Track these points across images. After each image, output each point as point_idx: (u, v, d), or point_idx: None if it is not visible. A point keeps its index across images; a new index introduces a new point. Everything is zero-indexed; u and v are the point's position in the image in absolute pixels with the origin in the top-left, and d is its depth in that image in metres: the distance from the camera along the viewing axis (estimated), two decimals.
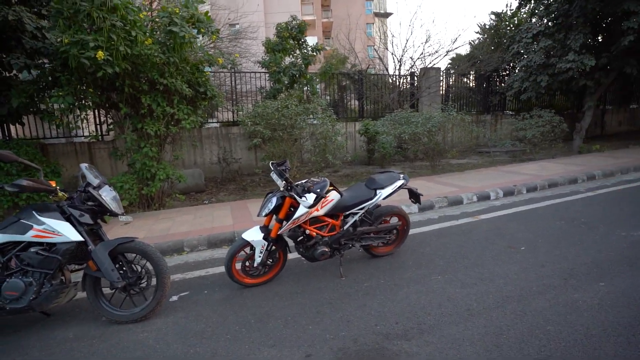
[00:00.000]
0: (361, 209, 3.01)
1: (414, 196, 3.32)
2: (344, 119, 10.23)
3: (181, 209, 5.32)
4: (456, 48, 12.80)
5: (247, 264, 2.84)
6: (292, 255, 3.24)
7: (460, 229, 4.11)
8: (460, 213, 4.77)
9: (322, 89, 11.05)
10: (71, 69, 4.24)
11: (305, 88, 8.81)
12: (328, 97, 10.97)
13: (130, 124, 5.11)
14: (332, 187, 2.89)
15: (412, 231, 4.01)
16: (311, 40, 9.79)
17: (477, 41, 14.00)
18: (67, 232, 2.27)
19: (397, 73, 11.21)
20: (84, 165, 2.48)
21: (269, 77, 8.42)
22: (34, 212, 2.30)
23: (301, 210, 2.68)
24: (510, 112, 12.11)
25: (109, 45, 4.09)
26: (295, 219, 2.71)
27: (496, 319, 2.26)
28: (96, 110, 7.11)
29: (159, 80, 4.74)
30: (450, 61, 14.85)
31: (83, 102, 4.87)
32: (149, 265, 2.53)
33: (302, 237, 2.88)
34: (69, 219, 2.35)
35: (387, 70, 11.92)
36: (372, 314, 2.43)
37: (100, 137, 5.94)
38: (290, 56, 8.45)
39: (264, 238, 2.75)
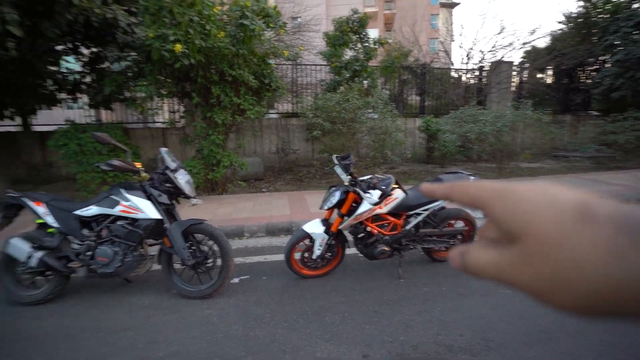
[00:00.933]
0: (425, 209, 2.87)
1: None
2: (404, 114, 9.88)
3: (241, 195, 5.58)
4: (534, 40, 11.54)
5: (305, 255, 2.88)
6: (350, 251, 3.20)
7: None
8: None
9: (382, 82, 10.78)
10: (153, 61, 4.62)
11: (365, 81, 8.66)
12: (387, 92, 10.67)
13: (200, 113, 5.44)
14: (396, 185, 2.79)
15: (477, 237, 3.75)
16: (372, 33, 9.57)
17: (559, 32, 12.54)
18: (148, 210, 2.49)
19: (464, 67, 10.52)
20: (163, 150, 2.68)
21: (330, 70, 8.41)
22: (121, 189, 2.55)
23: (364, 207, 2.63)
24: (596, 113, 10.72)
25: (186, 38, 4.37)
26: (357, 215, 2.66)
27: (577, 348, 2.01)
28: (171, 99, 7.73)
29: (228, 72, 4.97)
30: (524, 54, 13.55)
31: (161, 91, 5.30)
32: (215, 246, 2.68)
33: (362, 234, 2.83)
34: (149, 198, 2.56)
35: (452, 64, 11.23)
36: (433, 321, 2.31)
37: (173, 123, 6.44)
38: (351, 49, 8.34)
39: (325, 232, 2.76)
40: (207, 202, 5.16)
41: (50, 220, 2.62)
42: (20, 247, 2.57)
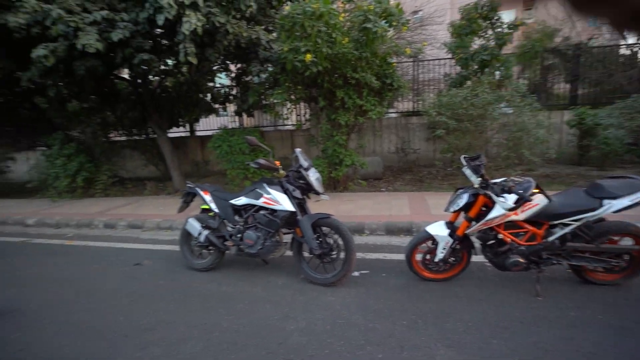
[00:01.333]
0: (576, 220, 2.43)
1: None
2: (547, 106, 8.41)
3: (361, 194, 5.78)
4: None
5: (427, 257, 2.82)
6: (476, 258, 2.98)
7: None
8: None
9: (519, 72, 9.40)
10: (287, 71, 5.22)
11: (498, 72, 7.72)
12: (525, 81, 9.24)
13: (325, 115, 5.87)
14: (537, 190, 2.45)
15: None
16: (507, 16, 8.40)
17: None
18: (285, 203, 2.88)
19: None
20: (298, 150, 3.04)
21: (456, 63, 7.81)
22: (264, 184, 3.02)
23: (497, 212, 2.41)
24: None
25: (315, 48, 4.78)
26: (487, 220, 2.46)
27: None
28: (298, 104, 8.57)
29: (351, 75, 5.22)
30: None
31: (292, 97, 5.95)
32: (340, 240, 2.89)
33: (493, 241, 2.60)
34: (285, 192, 2.95)
35: (624, 38, 8.92)
36: (581, 352, 1.96)
37: (300, 126, 7.14)
38: (481, 38, 7.54)
39: (450, 235, 2.65)
40: (330, 199, 5.53)
41: (213, 206, 3.31)
42: (194, 226, 3.32)
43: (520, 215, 2.44)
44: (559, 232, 2.48)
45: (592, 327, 2.18)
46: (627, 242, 2.53)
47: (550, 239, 2.49)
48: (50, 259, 4.16)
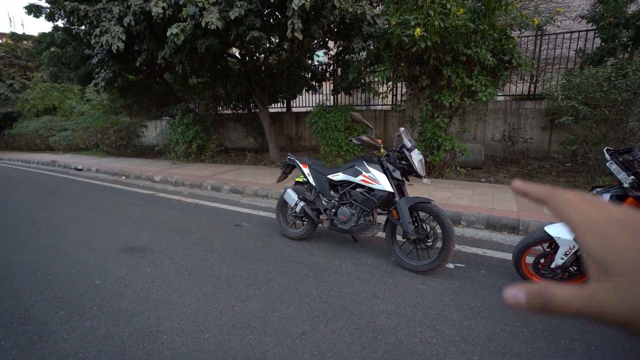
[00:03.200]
0: None
1: None
2: None
3: (458, 182, 5.35)
4: None
5: (541, 261, 2.47)
6: None
7: None
8: None
9: None
10: (392, 47, 4.98)
11: None
12: None
13: (427, 96, 5.49)
14: None
15: None
16: None
17: None
18: (384, 183, 2.81)
19: None
20: (402, 129, 2.90)
21: (599, 33, 6.41)
22: (364, 162, 2.99)
23: None
24: None
25: (426, 21, 4.42)
26: None
27: None
28: (394, 84, 8.20)
29: (463, 51, 4.72)
30: None
31: (394, 75, 5.69)
32: (437, 228, 2.72)
33: None
34: (385, 172, 2.87)
35: None
36: None
37: (398, 106, 6.85)
38: None
39: (575, 239, 2.25)
40: (424, 184, 5.26)
41: (311, 180, 3.42)
42: (292, 196, 3.51)
43: None
44: None
45: None
46: None
47: None
48: (172, 211, 4.91)
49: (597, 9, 6.38)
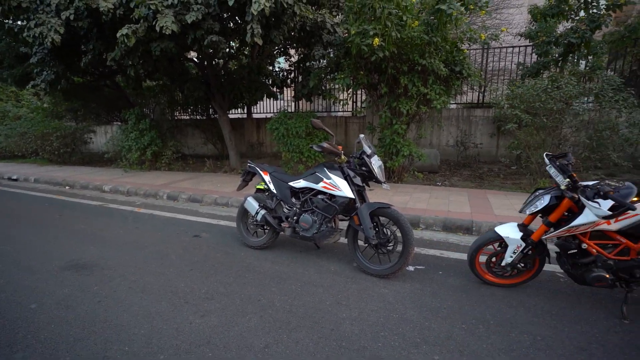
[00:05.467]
0: None
1: None
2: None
3: (416, 186, 5.55)
4: None
5: (492, 259, 2.62)
6: (547, 267, 2.71)
7: None
8: None
9: (608, 61, 8.24)
10: (351, 56, 5.09)
11: (583, 62, 6.83)
12: (612, 72, 8.08)
13: (386, 103, 5.67)
14: (638, 198, 2.12)
15: None
16: None
17: None
18: (345, 189, 2.83)
19: None
20: (362, 136, 2.95)
21: (535, 50, 7.04)
22: (325, 168, 2.99)
23: (586, 218, 2.13)
24: None
25: (384, 31, 4.57)
26: (572, 227, 2.19)
27: None
28: (354, 91, 8.39)
29: (418, 61, 4.94)
30: None
31: (353, 83, 5.81)
32: (397, 232, 2.79)
33: (574, 251, 2.32)
34: (345, 178, 2.90)
35: None
36: None
37: (357, 112, 7.00)
38: (569, 20, 6.66)
39: (522, 238, 2.42)
40: (384, 189, 5.40)
41: (272, 187, 3.36)
42: (252, 204, 3.42)
43: (613, 225, 2.13)
44: None
45: None
46: None
47: None
48: (123, 223, 4.58)
49: (533, 28, 7.00)
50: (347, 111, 9.21)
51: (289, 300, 2.55)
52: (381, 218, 2.85)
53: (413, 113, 5.48)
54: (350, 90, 5.92)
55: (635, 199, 2.13)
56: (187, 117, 10.68)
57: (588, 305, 2.43)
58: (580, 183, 2.19)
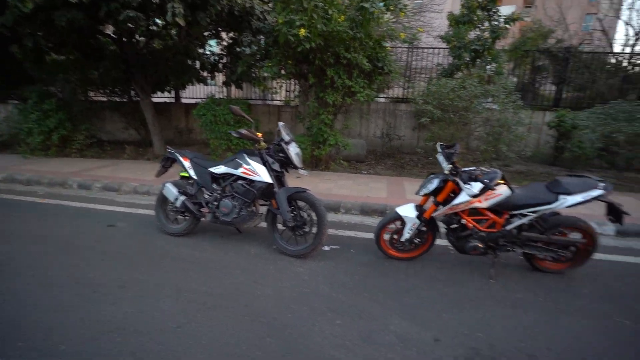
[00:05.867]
0: (533, 211, 2.61)
1: (615, 213, 2.61)
2: (532, 106, 8.63)
3: (342, 174, 5.88)
4: None
5: (395, 237, 2.97)
6: (442, 242, 3.16)
7: None
8: None
9: (511, 68, 9.54)
10: (279, 44, 5.14)
11: (489, 67, 7.82)
12: (515, 79, 9.41)
13: (314, 93, 5.85)
14: (502, 181, 2.60)
15: (597, 256, 3.21)
16: (507, 9, 8.39)
17: None
18: (263, 174, 2.94)
19: (628, 50, 8.47)
20: (281, 124, 3.07)
21: (450, 52, 7.84)
22: (244, 154, 3.06)
23: (462, 198, 2.55)
24: None
25: (310, 23, 4.70)
26: (453, 206, 2.61)
27: None
28: (287, 80, 8.44)
29: (343, 55, 5.19)
30: None
31: (282, 71, 5.88)
32: (313, 215, 2.99)
33: (456, 226, 2.76)
34: (264, 164, 3.01)
35: (611, 46, 9.17)
36: (518, 328, 2.17)
37: (289, 102, 7.09)
38: (477, 29, 7.57)
39: (417, 216, 2.79)
40: (311, 177, 5.62)
41: (192, 173, 3.33)
42: (171, 190, 3.35)
43: (484, 203, 2.59)
44: (517, 222, 2.65)
45: (532, 307, 2.40)
46: (575, 235, 2.74)
47: (509, 227, 2.66)
48: (23, 215, 4.11)
49: (448, 33, 7.77)
50: (281, 100, 9.25)
51: (206, 282, 2.61)
52: (299, 202, 3.03)
53: (339, 104, 5.75)
54: (280, 79, 5.98)
55: (501, 181, 2.61)
56: (105, 99, 9.71)
57: (467, 270, 2.91)
58: (460, 169, 2.60)
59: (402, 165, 7.21)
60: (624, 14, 8.70)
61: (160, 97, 10.14)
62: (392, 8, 5.23)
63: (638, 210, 4.43)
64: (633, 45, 8.26)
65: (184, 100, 10.35)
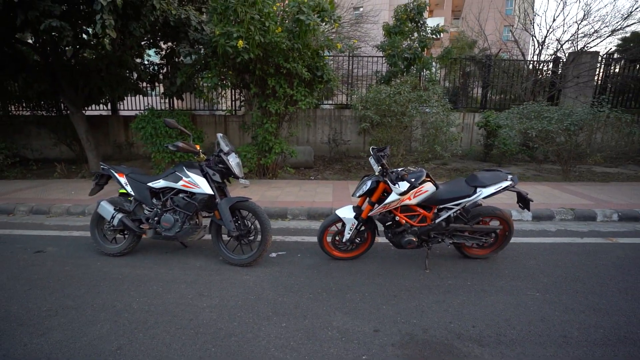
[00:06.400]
0: (457, 204, 2.91)
1: (523, 201, 3.00)
2: (463, 108, 9.48)
3: (290, 181, 5.97)
4: (630, 25, 10.07)
5: (337, 238, 3.11)
6: (382, 240, 3.36)
7: (583, 249, 3.52)
8: (587, 231, 4.05)
9: (443, 75, 10.38)
10: (218, 55, 5.13)
11: (423, 73, 8.45)
12: (448, 84, 10.27)
13: (256, 103, 5.90)
14: (428, 179, 2.87)
15: (517, 240, 3.65)
16: (437, 21, 9.15)
17: None
18: (204, 186, 2.92)
19: (535, 58, 9.65)
20: (219, 135, 3.09)
21: (386, 61, 8.35)
22: (184, 167, 3.02)
23: (393, 197, 2.77)
24: None
25: (247, 35, 4.77)
26: (386, 204, 2.81)
27: (600, 356, 1.97)
28: (232, 90, 8.37)
29: (283, 65, 5.32)
30: (620, 42, 11.83)
31: (224, 82, 5.85)
32: (257, 223, 3.03)
33: (391, 223, 2.97)
34: (205, 176, 3.00)
35: (523, 55, 10.36)
36: (448, 311, 2.40)
37: (234, 112, 7.05)
38: (409, 39, 8.17)
39: (355, 217, 2.96)
40: (258, 185, 5.64)
41: (128, 189, 3.20)
42: (107, 209, 3.19)
43: (413, 200, 2.84)
44: (444, 215, 2.93)
45: (461, 291, 2.66)
46: (494, 223, 3.09)
47: (437, 220, 2.93)
48: None
49: (384, 42, 8.27)
50: (227, 110, 9.13)
51: (147, 301, 2.53)
52: (242, 211, 3.06)
53: (282, 113, 5.86)
54: (220, 89, 5.94)
55: (426, 179, 2.87)
56: (29, 114, 8.85)
57: (405, 264, 3.13)
58: (389, 170, 2.82)
59: (349, 169, 7.49)
60: (530, 27, 9.90)
61: (95, 111, 9.50)
62: (326, 19, 5.47)
63: (551, 197, 5.08)
64: (539, 54, 9.42)
65: (122, 113, 9.79)
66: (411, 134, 7.19)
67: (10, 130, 8.01)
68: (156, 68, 8.42)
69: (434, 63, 8.55)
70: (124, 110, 9.89)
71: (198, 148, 3.01)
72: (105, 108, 9.67)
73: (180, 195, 3.03)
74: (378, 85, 7.43)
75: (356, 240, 3.10)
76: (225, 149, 3.00)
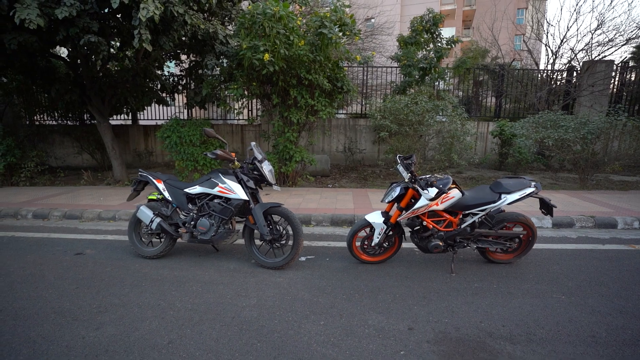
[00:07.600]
0: (482, 210, 3.01)
1: (546, 207, 3.09)
2: (477, 117, 9.57)
3: (309, 189, 6.12)
4: None
5: (365, 242, 3.24)
6: (407, 245, 3.47)
7: (605, 255, 3.58)
8: (609, 238, 4.10)
9: (456, 84, 10.52)
10: (244, 68, 5.36)
11: (437, 83, 8.59)
12: (461, 93, 10.39)
13: (278, 112, 6.10)
14: (454, 185, 2.98)
15: (539, 246, 3.72)
16: (448, 31, 9.31)
17: None
18: (239, 192, 3.09)
19: (549, 68, 9.73)
20: (253, 143, 3.26)
21: (400, 71, 8.52)
22: (220, 174, 3.20)
23: (422, 202, 2.89)
24: None
25: (273, 48, 4.99)
26: (414, 209, 2.94)
27: (630, 356, 2.04)
28: (250, 101, 8.63)
29: (305, 76, 5.52)
30: (635, 50, 11.82)
31: (246, 92, 6.08)
32: (289, 228, 3.18)
33: (418, 227, 3.09)
34: (239, 182, 3.16)
35: (536, 64, 10.45)
36: (478, 311, 2.49)
37: (252, 121, 7.27)
38: (424, 50, 8.34)
39: (384, 222, 3.08)
40: (279, 193, 5.80)
41: (166, 194, 3.39)
42: (146, 213, 3.37)
43: (440, 206, 2.95)
44: (469, 220, 3.04)
45: (488, 293, 2.75)
46: (518, 229, 3.18)
47: (463, 225, 3.04)
48: None
49: (399, 53, 8.46)
50: (243, 119, 9.40)
51: (190, 300, 2.68)
52: (274, 217, 3.21)
53: (303, 122, 6.05)
54: (244, 100, 6.17)
55: (453, 186, 2.99)
56: (54, 123, 9.24)
57: (431, 268, 3.23)
58: (418, 177, 2.95)
59: (365, 177, 7.62)
60: (544, 37, 10.00)
61: (116, 120, 9.87)
62: (347, 33, 5.68)
63: (569, 205, 5.13)
64: (553, 63, 9.50)
65: (141, 122, 10.13)
66: (427, 143, 7.31)
67: (36, 139, 8.36)
68: (176, 79, 8.77)
69: (447, 72, 8.69)
70: (143, 119, 10.26)
71: (234, 155, 3.19)
72: (125, 118, 10.04)
73: (216, 200, 3.20)
74: (394, 95, 7.59)
75: (384, 245, 3.22)
76: (259, 157, 3.17)
